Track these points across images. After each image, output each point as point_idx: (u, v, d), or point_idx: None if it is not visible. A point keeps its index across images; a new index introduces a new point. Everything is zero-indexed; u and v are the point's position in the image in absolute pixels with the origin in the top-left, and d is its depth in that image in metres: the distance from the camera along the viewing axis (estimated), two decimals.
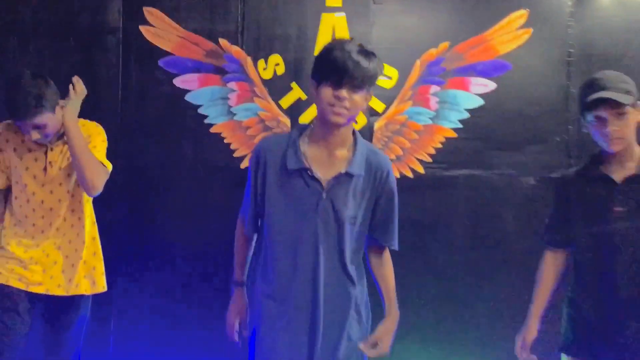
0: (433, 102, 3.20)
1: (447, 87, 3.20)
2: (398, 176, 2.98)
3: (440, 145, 3.21)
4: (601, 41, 3.14)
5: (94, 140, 2.46)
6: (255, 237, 2.12)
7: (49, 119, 2.30)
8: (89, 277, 2.47)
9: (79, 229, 2.47)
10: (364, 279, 2.03)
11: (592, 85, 2.04)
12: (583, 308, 2.11)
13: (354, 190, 1.91)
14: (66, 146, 2.37)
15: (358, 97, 1.83)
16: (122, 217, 3.24)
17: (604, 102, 1.96)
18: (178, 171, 3.25)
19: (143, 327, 3.22)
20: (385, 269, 2.07)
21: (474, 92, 3.19)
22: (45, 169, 2.41)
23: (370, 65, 1.83)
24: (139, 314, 3.23)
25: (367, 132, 3.08)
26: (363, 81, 1.82)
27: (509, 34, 3.15)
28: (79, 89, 2.39)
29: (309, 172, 1.89)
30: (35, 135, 2.32)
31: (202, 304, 3.19)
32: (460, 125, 3.19)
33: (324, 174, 1.90)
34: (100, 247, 2.53)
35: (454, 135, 3.20)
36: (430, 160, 3.19)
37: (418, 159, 3.18)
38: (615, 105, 1.96)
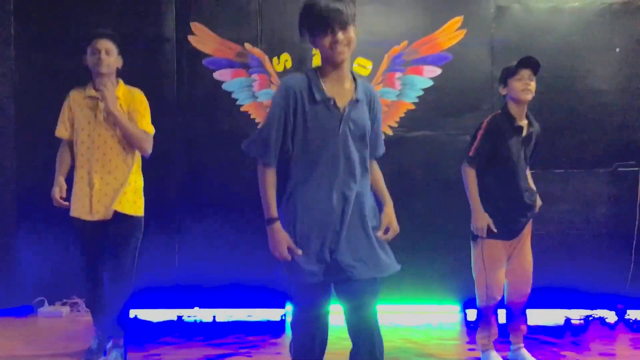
0: (397, 84, 3.94)
1: (407, 73, 3.93)
2: None
3: (403, 115, 3.94)
4: (515, 39, 3.88)
5: (139, 107, 2.84)
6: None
7: (112, 50, 2.81)
8: (130, 202, 2.84)
9: (124, 168, 2.80)
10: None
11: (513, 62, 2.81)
12: (499, 205, 2.84)
13: (362, 112, 2.06)
14: None
15: (350, 33, 1.96)
16: (181, 169, 4.00)
17: (528, 65, 2.74)
18: (218, 139, 3.97)
19: (200, 249, 3.95)
20: (379, 174, 2.23)
21: (426, 76, 3.91)
22: (95, 115, 2.80)
23: (347, 6, 1.93)
24: (198, 238, 3.95)
25: None
26: (348, 20, 1.94)
27: (450, 34, 3.90)
28: (107, 89, 2.78)
29: (331, 101, 2.01)
30: (104, 55, 2.77)
31: (244, 229, 3.83)
32: (417, 100, 3.93)
33: (340, 102, 2.02)
34: (131, 178, 2.85)
35: (413, 107, 3.93)
36: (396, 125, 3.94)
37: (388, 125, 3.94)
38: (533, 67, 2.76)
